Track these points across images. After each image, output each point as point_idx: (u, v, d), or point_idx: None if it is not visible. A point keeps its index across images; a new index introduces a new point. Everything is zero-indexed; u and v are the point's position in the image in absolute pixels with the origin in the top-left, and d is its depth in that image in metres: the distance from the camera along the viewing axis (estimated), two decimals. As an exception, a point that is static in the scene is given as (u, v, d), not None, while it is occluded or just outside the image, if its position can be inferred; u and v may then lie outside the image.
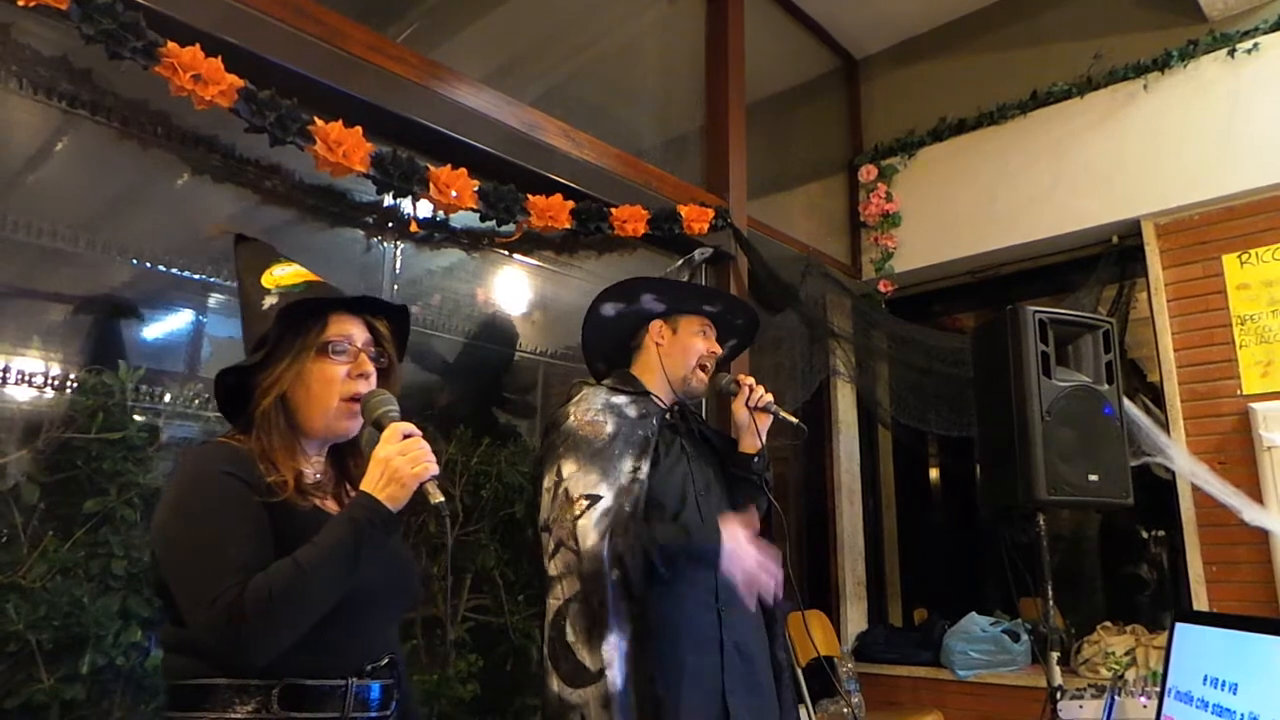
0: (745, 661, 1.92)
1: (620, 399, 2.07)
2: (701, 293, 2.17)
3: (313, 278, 1.42)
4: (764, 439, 2.11)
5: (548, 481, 1.96)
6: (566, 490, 1.90)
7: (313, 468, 1.37)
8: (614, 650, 1.76)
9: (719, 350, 2.20)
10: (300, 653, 1.17)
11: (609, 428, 1.97)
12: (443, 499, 1.25)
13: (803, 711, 2.29)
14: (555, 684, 1.82)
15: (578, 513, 1.86)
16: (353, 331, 1.38)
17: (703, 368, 2.15)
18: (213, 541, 1.17)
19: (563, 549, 1.87)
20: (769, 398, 2.09)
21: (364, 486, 1.24)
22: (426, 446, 1.28)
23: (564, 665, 1.81)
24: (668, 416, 2.12)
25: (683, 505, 1.98)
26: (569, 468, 1.93)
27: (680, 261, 2.35)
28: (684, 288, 2.18)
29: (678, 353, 2.14)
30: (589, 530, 1.83)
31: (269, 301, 1.36)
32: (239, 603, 1.11)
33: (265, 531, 1.21)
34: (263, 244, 1.49)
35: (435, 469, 1.26)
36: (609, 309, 2.18)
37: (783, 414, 2.08)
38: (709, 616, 1.90)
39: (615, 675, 1.75)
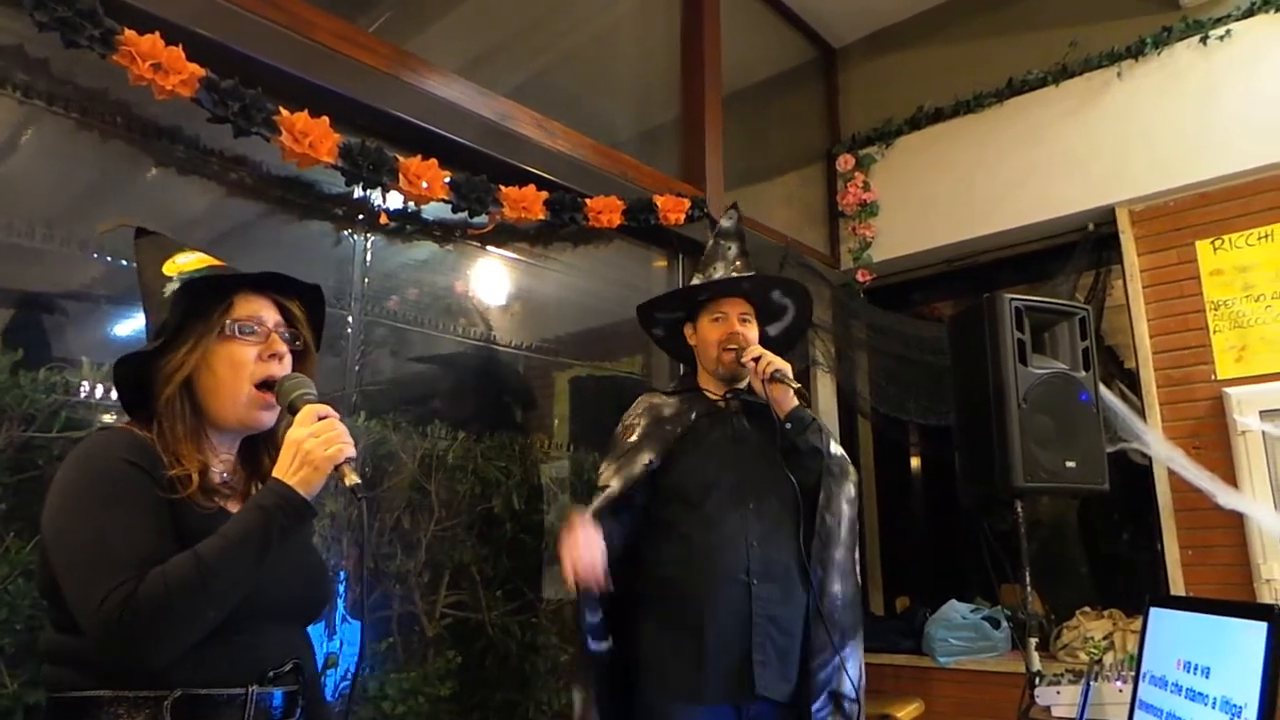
0: (783, 634, 2.02)
1: (664, 399, 2.28)
2: (691, 289, 2.28)
3: (216, 262, 1.35)
4: (788, 405, 2.13)
5: None
6: (596, 482, 2.19)
7: (221, 464, 1.30)
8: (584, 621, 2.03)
9: (737, 329, 2.21)
10: (196, 659, 1.10)
11: (638, 430, 2.20)
12: (358, 481, 1.19)
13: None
14: None
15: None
16: (261, 312, 1.31)
17: (728, 350, 2.20)
18: (108, 534, 1.09)
19: None
20: (776, 364, 2.10)
21: (276, 472, 1.18)
22: (343, 428, 1.21)
23: None
24: (720, 405, 2.23)
25: (706, 495, 2.08)
26: (603, 464, 2.21)
27: (711, 241, 2.42)
28: (674, 294, 2.33)
29: (703, 347, 2.27)
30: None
31: (170, 288, 1.29)
32: (134, 599, 1.04)
33: (166, 526, 1.14)
34: (165, 236, 1.41)
35: (351, 450, 1.20)
36: (657, 332, 2.46)
37: (787, 380, 2.11)
38: (736, 590, 2.00)
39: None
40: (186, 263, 1.32)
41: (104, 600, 1.04)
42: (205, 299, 1.27)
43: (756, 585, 2.01)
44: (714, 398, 2.25)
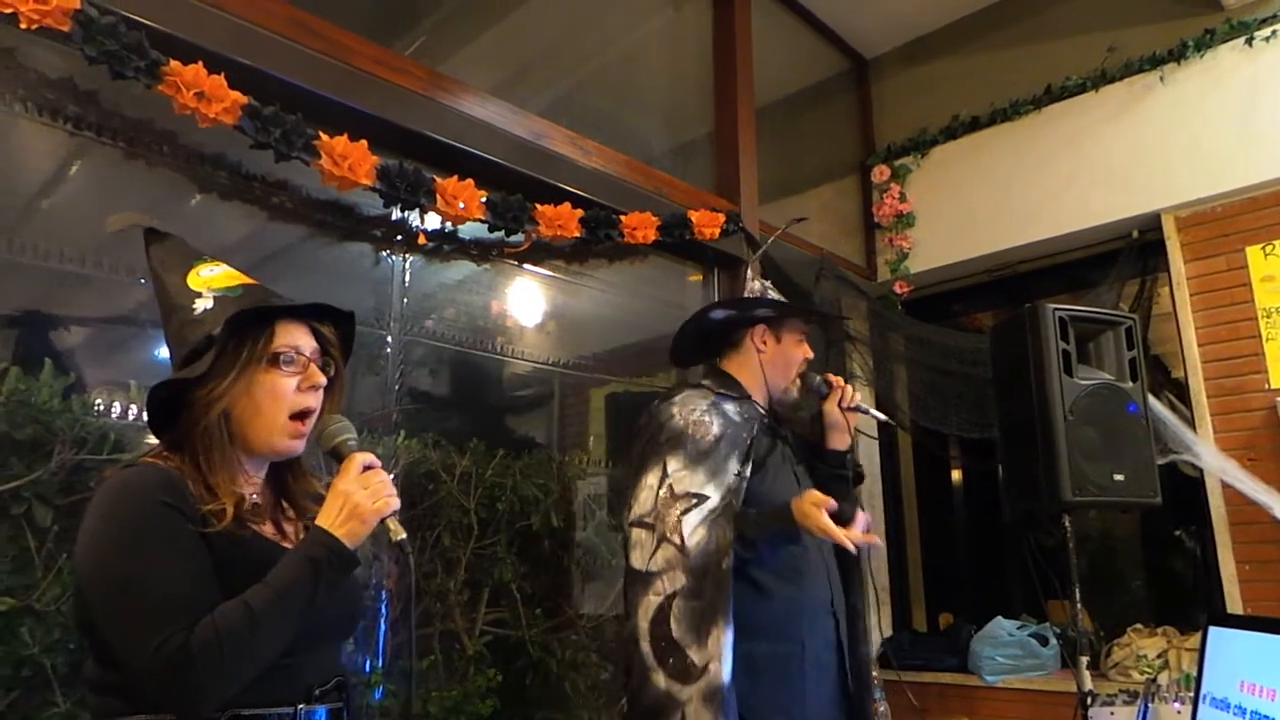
0: (853, 670, 1.98)
1: (721, 399, 2.07)
2: (811, 314, 2.30)
3: (247, 280, 1.33)
4: (849, 439, 2.16)
5: (650, 478, 1.95)
6: (671, 487, 1.90)
7: (252, 487, 1.29)
8: (721, 644, 1.76)
9: (812, 355, 2.20)
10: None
11: (715, 429, 1.97)
12: (404, 535, 1.20)
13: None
14: (662, 681, 1.79)
15: (683, 508, 1.87)
16: (301, 341, 1.29)
17: (800, 376, 2.17)
18: (153, 581, 1.09)
19: (665, 544, 1.86)
20: (859, 397, 2.15)
21: (321, 521, 1.17)
22: (387, 479, 1.22)
23: (673, 662, 1.79)
24: (766, 421, 2.13)
25: None
26: (675, 464, 1.93)
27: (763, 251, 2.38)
28: (796, 309, 2.24)
29: (781, 363, 2.13)
30: (697, 527, 1.85)
31: (202, 305, 1.27)
32: (187, 649, 1.04)
33: (208, 567, 1.13)
34: (178, 240, 1.38)
35: (397, 503, 1.20)
36: (719, 314, 2.19)
37: (873, 412, 2.14)
38: (828, 624, 1.94)
39: (722, 669, 1.74)
40: (214, 277, 1.30)
41: (157, 650, 1.04)
42: (247, 324, 1.26)
43: (840, 619, 1.97)
44: (761, 410, 2.14)
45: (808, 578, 1.95)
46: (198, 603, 1.09)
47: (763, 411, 2.14)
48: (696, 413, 2.01)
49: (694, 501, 1.88)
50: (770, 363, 2.13)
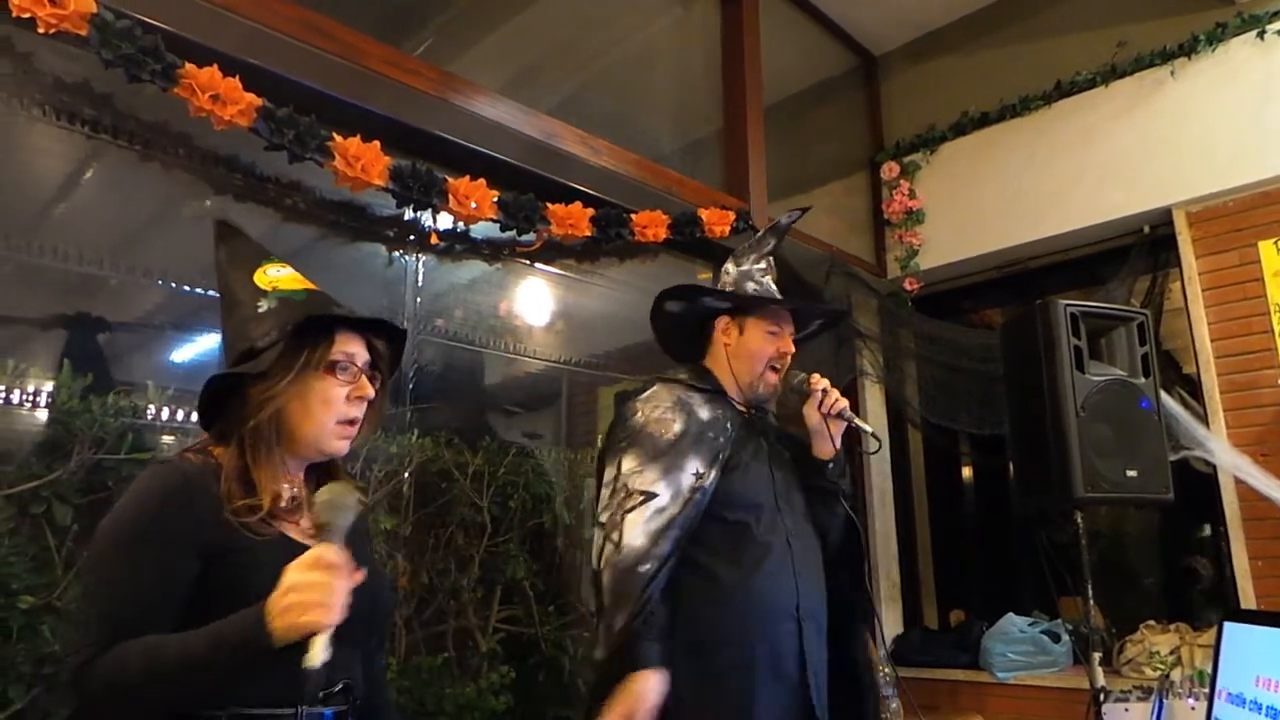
0: (819, 682, 1.88)
1: (694, 396, 2.00)
2: (769, 301, 2.06)
3: (310, 284, 1.36)
4: (838, 444, 1.98)
5: (608, 475, 1.92)
6: (625, 485, 1.87)
7: (292, 485, 1.30)
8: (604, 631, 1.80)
9: (791, 351, 2.06)
10: (248, 681, 1.10)
11: (677, 426, 1.92)
12: (320, 661, 1.03)
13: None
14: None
15: (629, 506, 1.83)
16: (356, 351, 1.32)
17: (774, 369, 2.04)
18: (102, 592, 1.13)
19: (608, 542, 1.83)
20: (844, 403, 1.95)
21: (271, 600, 1.05)
22: (338, 589, 1.07)
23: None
24: (747, 416, 2.05)
25: (759, 509, 1.91)
26: (630, 463, 1.89)
27: (762, 232, 2.20)
28: (749, 297, 2.09)
29: (744, 355, 2.04)
30: (636, 526, 1.81)
31: (265, 304, 1.30)
32: (85, 670, 1.07)
33: (172, 591, 1.13)
34: (247, 236, 1.41)
35: (330, 620, 1.05)
36: (674, 305, 2.14)
37: (858, 422, 1.94)
38: (787, 627, 1.84)
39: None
40: (280, 278, 1.33)
41: (70, 658, 1.10)
42: (309, 329, 1.28)
43: (805, 624, 1.85)
44: (741, 409, 2.05)
45: (767, 574, 1.85)
46: (132, 625, 1.10)
47: (740, 407, 2.05)
48: (659, 410, 1.96)
49: (640, 500, 1.84)
50: (734, 355, 2.05)
